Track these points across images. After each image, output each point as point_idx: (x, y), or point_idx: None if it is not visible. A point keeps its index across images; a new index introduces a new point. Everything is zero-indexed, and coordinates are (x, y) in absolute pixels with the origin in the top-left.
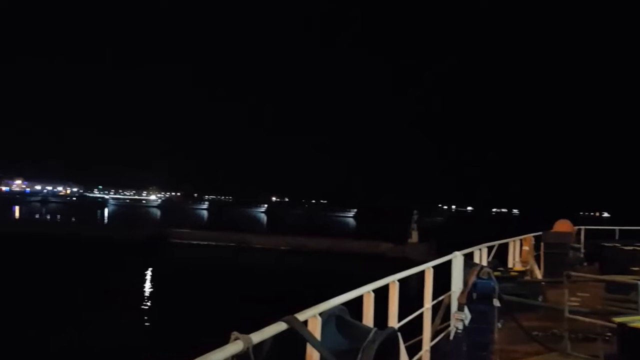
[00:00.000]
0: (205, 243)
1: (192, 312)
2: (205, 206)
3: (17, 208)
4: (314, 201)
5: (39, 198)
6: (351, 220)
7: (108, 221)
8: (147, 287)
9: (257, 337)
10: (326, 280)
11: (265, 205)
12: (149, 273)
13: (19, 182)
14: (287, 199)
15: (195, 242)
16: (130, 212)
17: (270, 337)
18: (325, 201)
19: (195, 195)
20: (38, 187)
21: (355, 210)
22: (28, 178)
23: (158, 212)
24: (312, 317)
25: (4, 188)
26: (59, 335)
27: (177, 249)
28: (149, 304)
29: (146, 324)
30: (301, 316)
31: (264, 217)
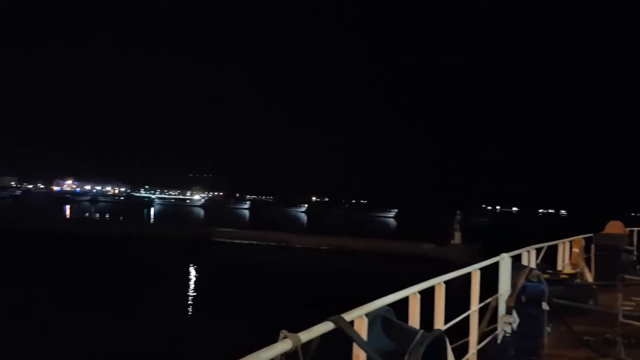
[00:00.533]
0: (247, 242)
1: (239, 310)
2: (246, 206)
3: (67, 207)
4: (354, 201)
5: (88, 197)
6: (392, 221)
7: (154, 220)
8: (195, 285)
9: (305, 336)
10: (368, 280)
11: (306, 205)
12: (195, 271)
13: (69, 182)
14: (326, 199)
15: (237, 241)
16: (175, 211)
17: (318, 337)
18: (365, 201)
19: (237, 195)
20: (88, 187)
21: (396, 210)
22: (78, 178)
23: (201, 212)
24: (358, 318)
25: (56, 188)
26: (112, 329)
27: (220, 248)
28: (196, 301)
29: (194, 321)
30: (348, 316)
31: (304, 216)
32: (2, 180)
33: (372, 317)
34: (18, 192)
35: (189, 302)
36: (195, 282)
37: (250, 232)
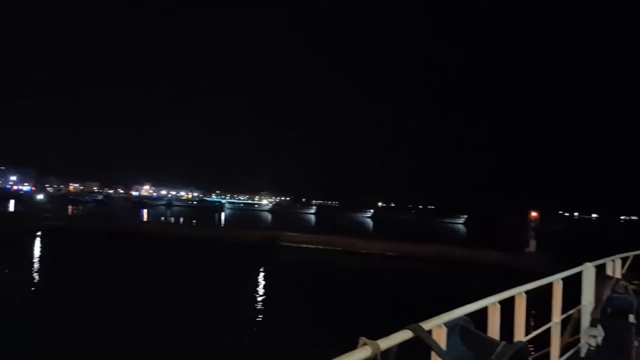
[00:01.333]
0: (313, 246)
1: (313, 316)
2: (312, 210)
3: (144, 211)
4: (421, 207)
5: (164, 202)
6: (461, 227)
7: (225, 224)
8: (265, 289)
9: (384, 343)
10: (439, 288)
11: (372, 211)
12: (265, 274)
13: (147, 187)
14: (392, 204)
15: (303, 245)
16: (244, 215)
17: (396, 345)
18: (433, 207)
19: (304, 200)
20: (163, 192)
21: (466, 216)
22: (155, 184)
23: (269, 216)
24: (437, 327)
25: (134, 193)
26: (191, 329)
27: (287, 252)
28: (268, 306)
29: (268, 325)
30: (426, 325)
31: (370, 222)
32: (86, 185)
33: (450, 326)
34: (100, 197)
35: (261, 307)
36: (265, 285)
37: (315, 237)
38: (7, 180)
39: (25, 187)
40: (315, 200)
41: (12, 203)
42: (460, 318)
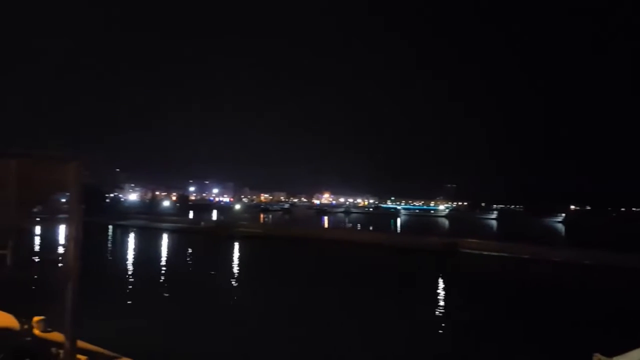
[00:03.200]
0: (496, 254)
1: (517, 328)
2: (493, 216)
3: (325, 218)
4: (623, 209)
5: (342, 209)
6: None
7: (401, 230)
8: (459, 299)
9: None
10: None
11: (563, 215)
12: (450, 282)
13: (326, 195)
14: (588, 207)
15: (485, 253)
16: (421, 221)
17: None
18: (638, 209)
19: (483, 204)
20: (342, 200)
21: None
22: (334, 192)
23: (446, 222)
24: None
25: (315, 201)
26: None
27: (468, 259)
28: (470, 318)
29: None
30: None
31: (561, 227)
32: (274, 195)
33: None
34: (286, 206)
35: (458, 318)
36: (457, 295)
37: (499, 244)
38: (210, 193)
39: (225, 199)
40: (496, 204)
41: (214, 213)
42: None
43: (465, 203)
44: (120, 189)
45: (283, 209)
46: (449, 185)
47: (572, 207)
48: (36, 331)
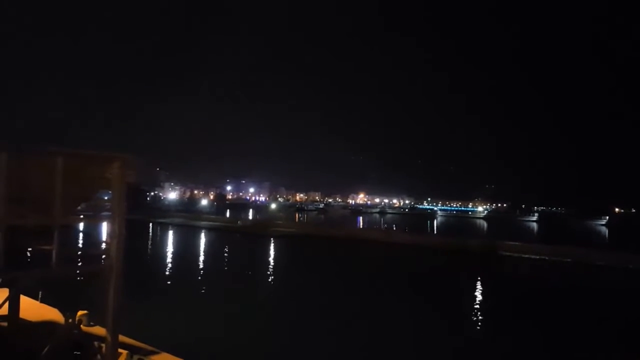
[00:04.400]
0: (538, 257)
1: (570, 333)
2: (534, 218)
3: (360, 218)
4: None
5: (377, 209)
6: None
7: (438, 231)
8: (503, 302)
9: None
10: None
11: (607, 217)
12: (494, 286)
13: (361, 195)
14: (633, 210)
15: (526, 256)
16: (458, 222)
17: None
18: None
19: (523, 206)
20: (377, 200)
21: None
22: (369, 192)
23: (484, 224)
24: None
25: (350, 201)
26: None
27: (508, 262)
28: (514, 321)
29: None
30: None
31: (605, 230)
32: (310, 195)
33: None
34: (321, 206)
35: (490, 319)
36: (501, 298)
37: (541, 247)
38: (247, 192)
39: (261, 198)
40: (537, 206)
41: (250, 212)
42: None
43: (505, 204)
44: (161, 187)
45: (318, 209)
46: (487, 186)
47: (617, 209)
48: (81, 325)
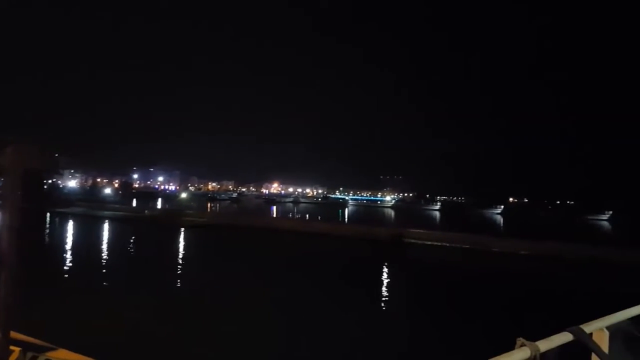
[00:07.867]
0: (439, 244)
1: (460, 315)
2: (437, 207)
3: (274, 207)
4: (558, 202)
5: (291, 199)
6: (605, 224)
7: (348, 220)
8: (405, 287)
9: (544, 345)
10: (591, 290)
11: (502, 207)
12: (399, 271)
13: (275, 185)
14: (526, 200)
15: (428, 243)
16: (368, 211)
17: (556, 347)
18: (572, 202)
19: (427, 196)
20: (290, 189)
21: (611, 212)
22: (283, 182)
23: (392, 213)
24: (598, 330)
25: (264, 191)
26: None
27: (412, 249)
28: (412, 304)
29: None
30: (587, 328)
31: (500, 218)
32: (222, 184)
33: (613, 330)
34: (234, 195)
35: (402, 307)
36: (403, 283)
37: (442, 234)
38: (155, 181)
39: (171, 187)
40: (440, 196)
41: (159, 201)
42: (624, 322)
43: (411, 194)
44: (60, 175)
45: (231, 198)
46: (395, 177)
47: (511, 199)
48: None
